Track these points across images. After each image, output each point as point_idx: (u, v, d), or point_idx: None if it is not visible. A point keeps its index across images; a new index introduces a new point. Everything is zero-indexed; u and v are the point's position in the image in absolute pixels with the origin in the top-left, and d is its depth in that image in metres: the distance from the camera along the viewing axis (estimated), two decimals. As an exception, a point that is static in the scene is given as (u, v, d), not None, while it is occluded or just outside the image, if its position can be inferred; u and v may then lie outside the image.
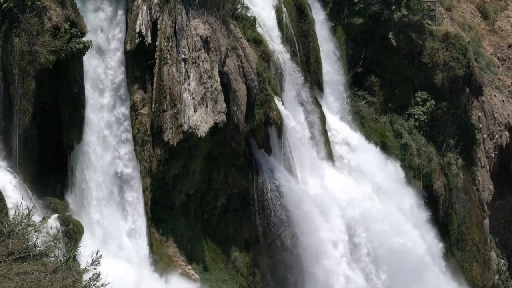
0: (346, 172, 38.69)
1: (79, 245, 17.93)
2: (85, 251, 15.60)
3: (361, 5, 41.74)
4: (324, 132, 37.81)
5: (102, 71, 29.51)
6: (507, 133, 50.86)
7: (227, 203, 33.06)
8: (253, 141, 33.56)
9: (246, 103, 31.61)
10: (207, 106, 30.41)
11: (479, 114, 48.34)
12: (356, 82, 43.01)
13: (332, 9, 41.33)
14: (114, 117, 29.67)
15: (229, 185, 32.97)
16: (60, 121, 27.90)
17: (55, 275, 13.32)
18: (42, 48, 26.27)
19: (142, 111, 30.05)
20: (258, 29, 34.99)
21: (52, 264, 13.83)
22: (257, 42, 34.18)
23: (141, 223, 29.75)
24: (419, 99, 44.18)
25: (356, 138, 40.26)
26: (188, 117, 29.94)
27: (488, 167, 49.02)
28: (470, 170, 46.54)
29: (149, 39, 29.92)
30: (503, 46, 54.53)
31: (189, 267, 31.05)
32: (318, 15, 40.59)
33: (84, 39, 27.41)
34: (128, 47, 29.62)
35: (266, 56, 34.44)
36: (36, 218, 15.67)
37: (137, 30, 29.69)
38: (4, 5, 26.03)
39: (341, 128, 39.81)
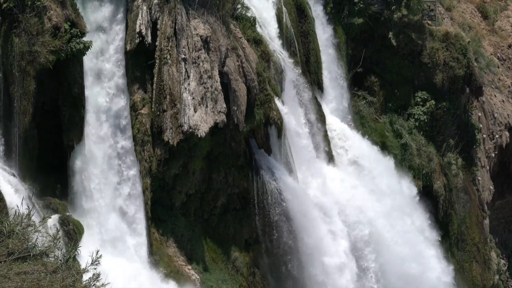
0: (346, 172, 38.69)
1: (79, 245, 17.92)
2: (85, 251, 15.61)
3: (361, 5, 41.73)
4: (324, 132, 37.81)
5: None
6: (507, 133, 50.85)
7: (227, 203, 33.06)
8: (253, 141, 33.57)
9: (246, 103, 31.61)
10: (207, 106, 30.42)
11: (479, 114, 48.33)
12: (356, 82, 43.00)
13: (332, 9, 41.34)
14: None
15: (229, 185, 32.98)
16: (60, 121, 27.90)
17: (55, 275, 13.32)
18: (42, 48, 26.27)
19: (142, 111, 30.05)
20: (258, 29, 34.99)
21: (52, 264, 13.83)
22: (257, 42, 34.18)
23: (141, 223, 29.74)
24: (419, 99, 44.17)
25: (355, 137, 40.27)
26: (188, 117, 29.95)
27: (488, 167, 49.02)
28: (470, 170, 46.54)
29: (149, 39, 29.91)
30: (503, 46, 54.53)
31: (189, 267, 31.05)
32: (318, 15, 40.59)
33: (84, 39, 27.41)
34: (128, 47, 29.62)
35: (266, 56, 34.44)
36: (36, 218, 15.67)
37: (137, 30, 29.68)
38: (4, 5, 26.02)
39: (341, 128, 39.81)
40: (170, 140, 29.90)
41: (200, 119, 30.11)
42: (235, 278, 32.53)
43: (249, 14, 34.46)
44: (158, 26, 30.22)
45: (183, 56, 30.33)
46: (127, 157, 29.75)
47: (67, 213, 27.35)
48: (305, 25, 38.74)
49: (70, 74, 27.52)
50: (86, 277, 13.89)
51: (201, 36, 30.75)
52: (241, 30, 33.12)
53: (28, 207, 15.81)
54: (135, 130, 29.86)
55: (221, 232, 32.87)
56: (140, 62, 30.36)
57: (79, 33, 27.30)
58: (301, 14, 38.71)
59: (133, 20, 29.79)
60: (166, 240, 30.92)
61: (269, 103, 32.89)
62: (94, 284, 13.51)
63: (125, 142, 29.62)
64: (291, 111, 35.11)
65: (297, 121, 35.49)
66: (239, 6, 33.84)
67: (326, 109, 38.90)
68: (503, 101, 51.55)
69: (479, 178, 47.40)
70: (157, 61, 30.12)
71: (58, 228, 25.67)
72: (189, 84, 30.26)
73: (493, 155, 49.84)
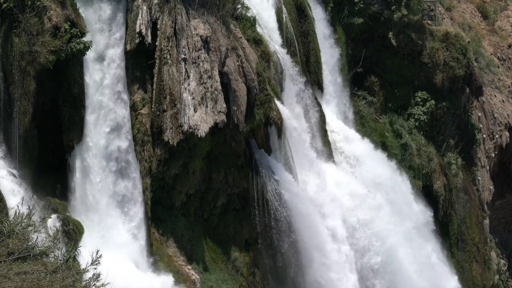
0: (346, 171, 38.71)
1: (79, 245, 17.94)
2: (85, 251, 15.62)
3: (361, 5, 41.73)
4: (324, 132, 37.81)
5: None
6: (507, 133, 50.86)
7: (227, 203, 33.06)
8: (253, 141, 33.56)
9: (246, 103, 31.61)
10: (207, 106, 30.42)
11: (479, 114, 48.34)
12: (356, 82, 43.01)
13: (332, 9, 41.35)
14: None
15: (229, 185, 32.98)
16: (60, 121, 27.91)
17: (55, 275, 13.33)
18: (42, 48, 26.28)
19: (142, 111, 30.05)
20: (258, 29, 34.99)
21: (52, 264, 13.84)
22: (257, 42, 34.18)
23: (141, 223, 29.74)
24: (419, 99, 44.17)
25: (355, 137, 40.28)
26: (188, 117, 29.95)
27: (488, 167, 49.02)
28: (470, 170, 46.55)
29: (149, 39, 29.91)
30: (503, 46, 54.53)
31: (189, 267, 31.04)
32: (318, 15, 40.58)
33: (84, 39, 27.42)
34: (128, 47, 29.61)
35: (266, 56, 34.44)
36: (36, 218, 15.67)
37: (137, 30, 29.68)
38: (4, 5, 26.03)
39: (341, 128, 39.81)
40: (170, 140, 29.90)
41: (200, 119, 30.12)
42: (235, 278, 32.53)
43: (249, 14, 34.45)
44: (158, 26, 30.21)
45: (183, 56, 30.33)
46: (127, 157, 29.76)
47: (67, 213, 27.36)
48: (305, 25, 38.74)
49: (70, 74, 27.54)
50: (86, 277, 13.90)
51: (201, 36, 30.75)
52: (241, 30, 33.13)
53: (28, 207, 15.81)
54: (135, 130, 29.86)
55: (221, 232, 32.87)
56: (140, 62, 30.36)
57: (79, 33, 27.31)
58: (301, 14, 38.70)
59: (133, 20, 29.79)
60: (166, 240, 30.92)
61: (269, 103, 32.89)
62: (94, 284, 13.52)
63: (125, 142, 29.62)
64: (291, 111, 35.11)
65: (297, 121, 35.49)
66: (239, 6, 33.84)
67: (326, 109, 38.90)
68: (503, 101, 51.56)
69: (479, 178, 47.41)
70: (157, 61, 30.11)
71: (58, 228, 25.67)
72: (189, 84, 30.27)
73: (493, 155, 49.85)
